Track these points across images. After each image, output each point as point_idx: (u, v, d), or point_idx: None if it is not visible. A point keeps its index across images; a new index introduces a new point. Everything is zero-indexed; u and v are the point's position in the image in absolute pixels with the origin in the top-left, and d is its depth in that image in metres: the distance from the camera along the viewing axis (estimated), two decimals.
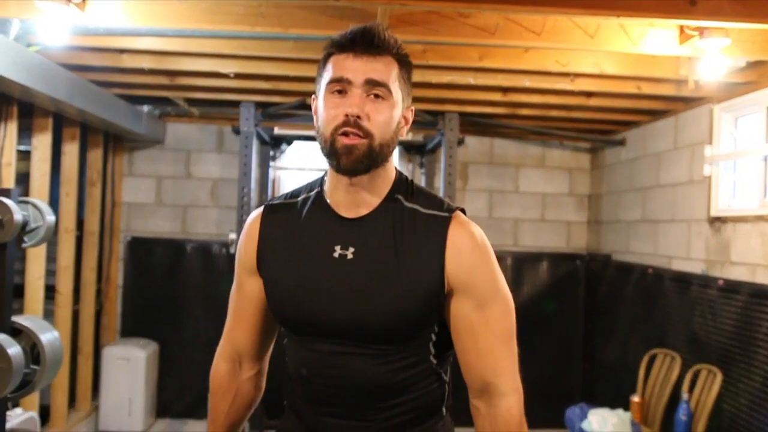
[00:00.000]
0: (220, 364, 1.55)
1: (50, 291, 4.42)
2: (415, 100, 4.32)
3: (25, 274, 4.05)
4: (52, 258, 4.52)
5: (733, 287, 3.42)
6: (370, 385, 1.38)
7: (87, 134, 4.78)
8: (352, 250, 1.36)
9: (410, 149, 5.26)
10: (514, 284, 5.42)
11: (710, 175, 3.74)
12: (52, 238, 4.37)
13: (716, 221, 3.66)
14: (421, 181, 5.29)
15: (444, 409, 1.49)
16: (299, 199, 1.47)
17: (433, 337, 1.41)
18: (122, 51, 3.61)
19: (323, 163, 1.40)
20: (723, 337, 3.47)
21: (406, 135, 1.44)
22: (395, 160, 4.31)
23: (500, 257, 5.49)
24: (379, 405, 1.39)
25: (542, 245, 5.54)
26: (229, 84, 4.05)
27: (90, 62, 3.70)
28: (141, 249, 5.34)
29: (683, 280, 3.91)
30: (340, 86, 1.31)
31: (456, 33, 2.96)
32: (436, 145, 4.72)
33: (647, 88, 3.74)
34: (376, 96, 1.32)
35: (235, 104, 4.43)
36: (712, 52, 2.82)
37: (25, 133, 4.14)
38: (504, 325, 1.40)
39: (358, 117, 1.29)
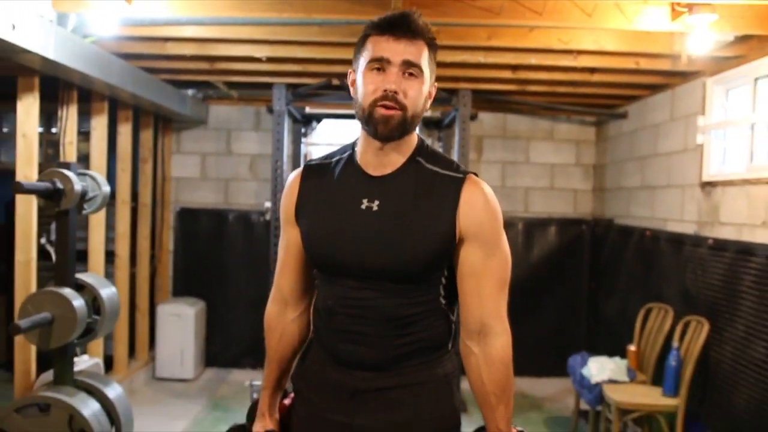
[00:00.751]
0: (270, 308, 1.64)
1: (110, 256, 4.60)
2: None
3: (88, 241, 4.22)
4: (110, 227, 4.69)
5: (721, 245, 3.43)
6: (386, 317, 1.45)
7: (139, 116, 4.92)
8: (377, 203, 1.45)
9: (429, 124, 5.30)
10: (525, 247, 5.47)
11: (702, 144, 3.73)
12: (110, 209, 4.55)
13: (707, 186, 3.66)
14: None
15: (450, 346, 1.56)
16: (333, 160, 1.56)
17: (443, 281, 1.49)
18: (167, 39, 3.70)
19: (349, 139, 1.52)
20: (711, 290, 3.49)
21: (428, 108, 1.52)
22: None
23: (512, 222, 5.59)
24: (393, 334, 1.46)
25: (551, 211, 5.56)
26: (263, 67, 4.13)
27: (139, 50, 3.80)
28: (189, 218, 5.50)
29: (677, 240, 3.92)
30: (379, 65, 1.40)
31: (464, 14, 2.99)
32: (451, 120, 4.76)
33: (645, 64, 3.73)
34: (411, 74, 1.40)
35: (269, 86, 4.50)
36: (701, 27, 2.82)
37: (84, 117, 4.29)
38: (502, 275, 1.48)
39: (396, 92, 1.38)
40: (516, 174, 5.55)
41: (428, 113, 5.08)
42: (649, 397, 3.54)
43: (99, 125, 4.21)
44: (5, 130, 5.65)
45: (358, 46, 1.45)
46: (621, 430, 3.99)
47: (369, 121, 1.42)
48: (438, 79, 4.67)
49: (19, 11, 2.73)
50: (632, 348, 3.99)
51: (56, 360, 2.79)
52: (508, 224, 5.45)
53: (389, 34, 1.39)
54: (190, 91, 5.05)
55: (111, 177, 4.60)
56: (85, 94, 4.06)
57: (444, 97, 4.43)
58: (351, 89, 1.48)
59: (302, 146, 5.29)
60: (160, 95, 4.47)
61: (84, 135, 4.56)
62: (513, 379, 1.47)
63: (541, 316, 5.45)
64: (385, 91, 1.38)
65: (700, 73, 3.77)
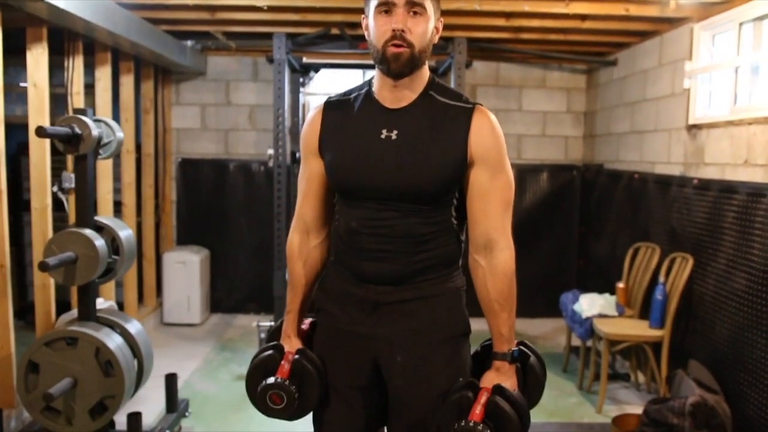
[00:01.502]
0: (293, 236, 1.77)
1: (117, 205, 4.73)
2: None
3: (96, 190, 4.34)
4: (116, 177, 4.81)
5: (705, 185, 3.60)
6: (405, 235, 1.61)
7: (140, 67, 4.97)
8: (395, 132, 1.60)
9: None
10: (518, 193, 5.55)
11: (689, 88, 3.87)
12: (114, 160, 4.65)
13: (693, 128, 3.81)
14: None
15: (460, 262, 1.73)
16: (352, 96, 1.70)
17: (455, 203, 1.66)
18: None
19: (348, 88, 1.66)
20: (696, 228, 3.67)
21: (437, 41, 1.65)
22: None
23: None
24: (411, 251, 1.62)
25: (543, 158, 5.72)
26: (263, 17, 4.19)
27: (142, 0, 3.85)
28: (190, 168, 5.62)
29: (664, 182, 4.09)
30: (386, 7, 1.54)
31: None
32: (446, 68, 4.85)
33: (634, 10, 3.83)
34: (415, 13, 1.54)
35: (269, 36, 4.56)
36: None
37: (87, 70, 4.35)
38: (506, 195, 1.64)
39: (403, 31, 1.52)
40: (509, 121, 5.68)
41: None
42: (637, 329, 3.76)
43: (103, 76, 4.29)
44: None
45: None
46: (609, 363, 4.25)
47: (382, 60, 1.56)
48: None
49: None
50: (621, 285, 4.20)
51: (80, 297, 2.95)
52: None
53: None
54: (189, 42, 5.10)
55: None
56: (89, 46, 4.12)
57: (440, 45, 4.52)
58: (366, 33, 1.62)
59: (300, 96, 5.38)
60: (161, 45, 4.53)
61: (87, 87, 4.62)
62: (515, 290, 1.63)
63: (534, 260, 5.65)
64: (394, 30, 1.52)
65: (688, 19, 3.88)
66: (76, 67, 3.90)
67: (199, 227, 5.63)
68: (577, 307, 4.10)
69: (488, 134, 1.59)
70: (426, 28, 1.56)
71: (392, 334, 1.65)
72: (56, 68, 3.96)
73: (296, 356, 1.67)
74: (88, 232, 2.85)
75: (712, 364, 3.42)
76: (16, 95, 5.50)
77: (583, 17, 4.16)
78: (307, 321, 1.80)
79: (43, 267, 2.61)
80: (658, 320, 3.68)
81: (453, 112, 1.60)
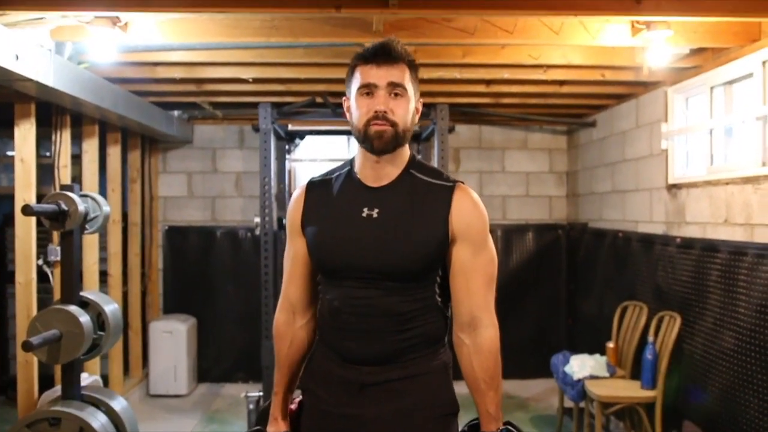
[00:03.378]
0: (279, 316, 1.76)
1: (103, 275, 4.69)
2: None
3: (81, 261, 4.31)
4: (102, 247, 4.78)
5: (688, 243, 3.64)
6: (388, 313, 1.61)
7: (127, 138, 5.03)
8: (376, 210, 1.61)
9: None
10: (504, 253, 5.66)
11: (667, 149, 3.96)
12: (102, 230, 4.64)
13: (673, 188, 3.89)
14: None
15: (446, 339, 1.72)
16: (334, 176, 1.72)
17: (438, 280, 1.66)
18: (157, 64, 3.84)
19: (332, 154, 1.69)
20: (681, 286, 3.70)
21: (417, 122, 1.71)
22: None
23: (491, 230, 5.75)
24: (395, 329, 1.61)
25: (528, 218, 5.78)
26: (249, 88, 4.29)
27: (130, 75, 3.93)
28: (177, 236, 5.61)
29: (647, 240, 4.14)
30: (368, 90, 1.57)
31: (441, 35, 3.19)
32: (429, 134, 4.94)
33: (610, 75, 3.95)
34: (396, 95, 1.58)
35: (254, 105, 4.64)
36: (658, 41, 3.04)
37: (75, 141, 4.39)
38: (489, 270, 1.65)
39: (385, 112, 1.56)
40: (492, 183, 5.76)
41: None
42: (629, 390, 3.73)
43: (90, 148, 4.33)
44: None
45: (348, 77, 1.63)
46: (603, 425, 4.19)
47: (365, 139, 1.59)
48: None
49: (22, 42, 2.86)
50: (611, 345, 4.18)
51: (64, 375, 2.90)
52: None
53: (373, 63, 1.57)
54: (176, 112, 5.17)
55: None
56: (76, 118, 4.17)
57: (423, 112, 4.60)
58: (347, 114, 1.65)
59: (287, 162, 5.43)
60: (148, 117, 4.60)
61: (74, 158, 4.66)
62: (500, 368, 1.63)
63: (523, 320, 5.64)
64: (376, 111, 1.56)
65: (662, 83, 4.01)
66: (63, 140, 3.93)
67: (186, 295, 5.58)
68: (567, 368, 4.06)
69: (469, 211, 1.61)
70: (407, 108, 1.60)
71: (380, 415, 1.62)
72: (44, 139, 4.00)
73: None
74: (73, 308, 2.82)
75: (706, 424, 3.38)
76: (2, 166, 5.53)
77: (561, 83, 4.29)
78: (296, 400, 1.77)
79: (27, 347, 2.57)
80: (650, 380, 3.66)
81: (434, 190, 1.63)
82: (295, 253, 1.72)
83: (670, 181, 3.92)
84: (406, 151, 1.66)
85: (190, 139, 5.59)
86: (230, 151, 5.66)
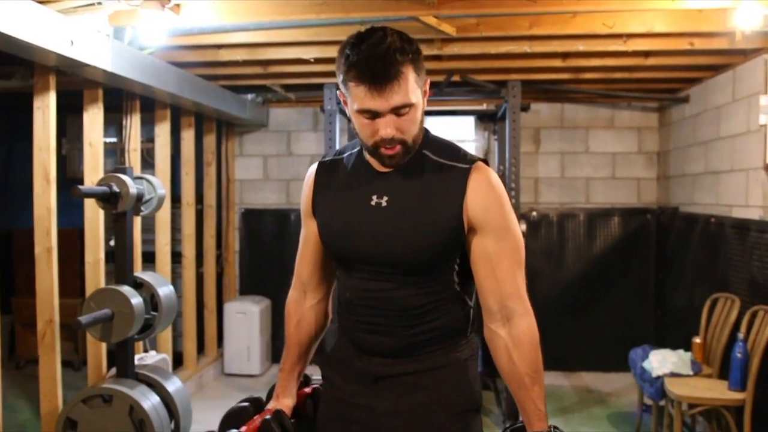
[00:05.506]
0: (290, 294, 1.70)
1: (179, 256, 4.82)
2: (479, 71, 4.29)
3: (155, 242, 4.44)
4: (178, 228, 4.91)
5: None
6: (400, 308, 1.50)
7: (202, 122, 5.11)
8: (386, 198, 1.48)
9: (483, 118, 5.25)
10: (588, 239, 5.34)
11: (766, 124, 3.53)
12: (176, 211, 4.76)
13: None
14: (494, 146, 5.27)
15: (469, 331, 1.58)
16: (344, 155, 1.60)
17: (456, 268, 1.51)
18: (219, 47, 3.84)
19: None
20: None
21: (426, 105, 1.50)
22: (471, 131, 4.30)
23: (573, 213, 5.48)
24: (408, 324, 1.50)
25: (614, 201, 5.40)
26: (314, 69, 4.21)
27: (194, 59, 3.96)
28: (253, 219, 5.68)
29: (742, 226, 3.73)
30: (369, 115, 1.38)
31: (501, 5, 2.99)
32: (504, 113, 4.69)
33: (700, 44, 3.56)
34: (403, 113, 1.39)
35: (322, 87, 4.58)
36: (750, 0, 2.68)
37: (151, 125, 4.51)
38: (517, 256, 1.48)
39: (393, 137, 1.40)
40: (575, 164, 5.42)
41: (482, 107, 5.04)
42: (714, 390, 3.39)
43: (162, 132, 4.42)
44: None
45: (342, 77, 1.39)
46: (690, 426, 3.85)
47: (374, 155, 1.46)
48: (486, 71, 4.62)
49: (77, 27, 2.91)
50: (697, 340, 3.83)
51: (118, 354, 2.96)
52: (569, 215, 5.35)
53: (369, 84, 1.34)
54: (249, 96, 5.21)
55: (177, 181, 4.83)
56: (149, 103, 4.27)
57: (493, 90, 4.38)
58: (346, 109, 1.47)
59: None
60: (220, 101, 4.64)
61: (150, 141, 4.79)
62: (541, 361, 1.46)
63: (608, 310, 5.30)
64: (383, 138, 1.39)
65: (762, 50, 3.56)
66: (133, 125, 4.03)
67: (261, 277, 5.64)
68: (646, 364, 3.75)
69: (486, 195, 1.45)
70: (416, 118, 1.42)
71: (394, 410, 1.52)
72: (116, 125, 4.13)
73: (268, 416, 1.55)
74: (126, 289, 2.86)
75: None
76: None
77: (646, 54, 3.93)
78: (310, 386, 1.72)
79: (76, 325, 2.62)
80: (738, 381, 3.30)
81: (448, 172, 1.47)
82: (307, 233, 1.65)
83: None
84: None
85: (266, 122, 5.62)
86: (305, 134, 5.65)
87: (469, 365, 1.57)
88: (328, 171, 1.60)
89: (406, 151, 1.44)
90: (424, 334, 1.51)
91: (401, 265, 1.48)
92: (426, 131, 1.53)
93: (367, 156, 1.52)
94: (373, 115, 1.38)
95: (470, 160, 1.49)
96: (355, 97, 1.38)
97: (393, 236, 1.46)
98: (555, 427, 1.45)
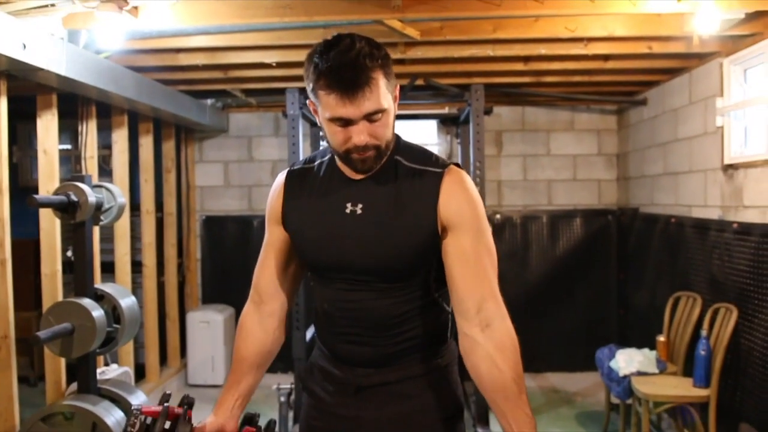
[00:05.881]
0: (245, 307, 1.62)
1: (139, 266, 4.69)
2: (442, 75, 4.28)
3: (114, 252, 4.31)
4: (137, 237, 4.78)
5: (745, 229, 3.32)
6: (378, 316, 1.47)
7: (160, 127, 4.99)
8: (360, 206, 1.45)
9: (446, 121, 5.27)
10: (551, 240, 5.39)
11: (722, 126, 3.62)
12: (136, 220, 4.63)
13: (729, 168, 3.54)
14: (457, 150, 5.29)
15: (449, 336, 1.57)
16: (315, 164, 1.55)
17: (434, 274, 1.48)
18: (178, 50, 3.75)
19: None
20: (739, 276, 3.37)
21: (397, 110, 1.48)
22: (434, 135, 4.29)
23: (536, 216, 5.51)
24: (387, 333, 1.48)
25: (575, 203, 5.47)
26: (275, 73, 4.15)
27: (153, 63, 3.86)
28: (215, 226, 5.57)
29: (702, 226, 3.81)
30: (341, 122, 1.35)
31: (465, 8, 2.98)
32: (467, 116, 4.71)
33: (658, 47, 3.63)
34: (375, 119, 1.36)
35: (283, 91, 4.52)
36: (707, 5, 2.74)
37: (108, 131, 4.38)
38: (492, 260, 1.45)
39: (366, 144, 1.36)
40: (537, 167, 5.48)
41: (445, 110, 5.06)
42: (679, 388, 3.44)
43: (120, 138, 4.30)
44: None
45: (311, 85, 1.36)
46: (656, 423, 3.91)
47: (346, 162, 1.43)
48: (449, 74, 4.61)
49: (30, 30, 2.80)
50: (661, 338, 3.89)
51: (79, 369, 2.85)
52: (532, 217, 5.39)
53: (340, 92, 1.31)
54: (209, 101, 5.12)
55: (136, 188, 4.70)
56: (105, 108, 4.14)
57: (457, 93, 4.39)
58: (316, 118, 1.43)
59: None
60: (179, 106, 4.54)
61: (106, 148, 4.66)
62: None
63: (571, 310, 5.37)
64: (356, 145, 1.37)
65: (717, 54, 3.66)
66: (89, 131, 3.90)
67: (224, 285, 5.54)
68: (613, 364, 3.80)
69: (460, 196, 1.43)
70: (388, 123, 1.40)
71: (379, 418, 1.50)
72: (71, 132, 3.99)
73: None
74: (86, 301, 2.76)
75: (765, 427, 3.07)
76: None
77: (605, 57, 3.98)
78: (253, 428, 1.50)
79: (35, 341, 2.51)
80: (703, 378, 3.36)
81: (421, 178, 1.45)
82: (270, 239, 1.57)
83: (726, 161, 3.58)
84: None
85: (226, 127, 5.53)
86: (266, 139, 5.57)
87: (450, 371, 1.56)
88: (298, 179, 1.55)
89: (379, 155, 1.41)
90: (405, 342, 1.49)
91: (379, 272, 1.45)
92: (398, 137, 1.51)
93: (340, 163, 1.49)
94: (345, 122, 1.35)
95: (443, 164, 1.47)
96: (326, 106, 1.34)
97: (369, 244, 1.43)
98: None
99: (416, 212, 1.42)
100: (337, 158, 1.48)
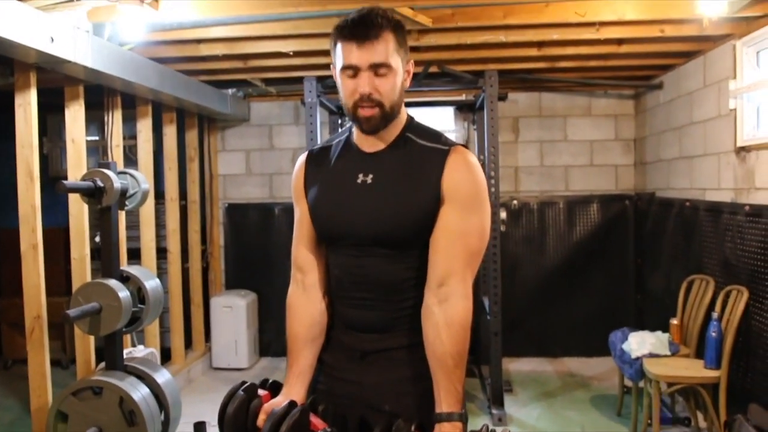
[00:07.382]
0: (290, 290, 1.71)
1: (164, 252, 4.85)
2: (457, 62, 4.35)
3: (140, 239, 4.47)
4: (162, 225, 4.94)
5: (757, 211, 3.34)
6: (384, 282, 1.58)
7: (184, 117, 5.13)
8: (371, 176, 1.59)
9: (462, 108, 5.33)
10: (568, 226, 5.43)
11: (735, 108, 3.63)
12: (160, 207, 4.78)
13: (742, 151, 3.56)
14: (473, 136, 5.35)
15: None
16: (333, 143, 1.71)
17: None
18: (199, 41, 3.87)
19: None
20: (750, 258, 3.40)
21: (408, 86, 1.61)
22: (451, 122, 4.41)
23: (553, 201, 5.55)
24: (392, 298, 1.58)
25: (592, 188, 5.50)
26: (293, 62, 4.25)
27: (174, 54, 3.99)
28: (237, 213, 5.71)
29: (715, 209, 3.84)
30: (351, 71, 1.51)
31: None
32: (482, 102, 4.76)
33: (670, 31, 3.65)
34: (381, 74, 1.51)
35: (302, 80, 4.62)
36: None
37: (131, 122, 4.53)
38: (475, 242, 1.54)
39: (370, 93, 1.50)
40: (554, 152, 5.51)
41: (461, 97, 5.11)
42: (690, 369, 3.49)
43: (144, 128, 4.45)
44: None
45: (332, 47, 1.55)
46: (669, 405, 3.96)
47: (354, 120, 1.57)
48: (463, 61, 4.67)
49: (57, 24, 2.94)
50: (674, 321, 3.94)
51: (107, 347, 2.99)
52: (549, 203, 5.44)
53: (353, 41, 1.48)
54: (230, 91, 5.24)
55: (160, 177, 4.86)
56: (130, 99, 4.29)
57: (471, 80, 4.45)
58: (336, 82, 1.58)
59: None
60: (201, 96, 4.67)
61: (132, 138, 4.81)
62: (468, 345, 1.52)
63: (588, 295, 5.41)
64: (361, 94, 1.51)
65: (730, 36, 3.66)
66: (115, 121, 4.05)
67: (246, 271, 5.69)
68: (625, 346, 3.85)
69: (461, 173, 1.54)
70: (394, 83, 1.53)
71: (378, 384, 1.60)
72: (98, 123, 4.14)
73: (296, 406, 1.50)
74: (113, 282, 2.89)
75: None
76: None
77: (619, 41, 4.01)
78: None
79: (65, 318, 2.66)
80: (714, 360, 3.41)
81: (429, 154, 1.57)
82: (299, 216, 1.71)
83: (739, 144, 3.59)
84: (401, 117, 1.63)
85: (247, 116, 5.65)
86: (286, 127, 5.69)
87: None
88: (318, 157, 1.70)
89: (383, 116, 1.53)
90: (408, 309, 1.58)
91: (385, 239, 1.55)
92: (411, 117, 1.65)
93: (355, 138, 1.63)
94: (354, 71, 1.49)
95: (451, 143, 1.59)
96: (339, 56, 1.51)
97: (377, 211, 1.55)
98: (486, 426, 1.46)
99: (422, 184, 1.54)
100: (348, 117, 1.60)
